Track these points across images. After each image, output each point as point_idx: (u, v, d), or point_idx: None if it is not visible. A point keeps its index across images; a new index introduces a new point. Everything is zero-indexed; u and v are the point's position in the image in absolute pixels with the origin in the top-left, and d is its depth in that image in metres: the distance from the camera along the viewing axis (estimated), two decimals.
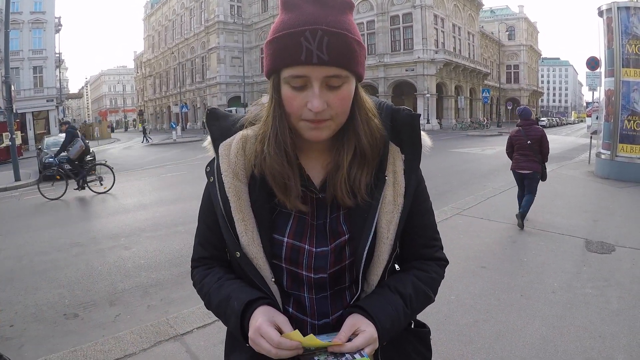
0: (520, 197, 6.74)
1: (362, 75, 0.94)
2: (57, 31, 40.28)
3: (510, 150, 6.75)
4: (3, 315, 4.29)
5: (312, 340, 0.87)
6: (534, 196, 6.52)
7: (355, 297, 1.02)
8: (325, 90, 0.88)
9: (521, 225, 6.34)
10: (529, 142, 6.43)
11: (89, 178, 11.74)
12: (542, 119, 59.00)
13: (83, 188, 11.49)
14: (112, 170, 12.06)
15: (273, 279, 0.99)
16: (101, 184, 11.65)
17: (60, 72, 43.76)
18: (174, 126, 38.95)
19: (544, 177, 6.61)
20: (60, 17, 41.05)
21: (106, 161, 13.65)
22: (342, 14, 0.88)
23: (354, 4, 0.95)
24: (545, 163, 6.58)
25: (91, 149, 17.20)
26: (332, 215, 1.01)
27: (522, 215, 6.40)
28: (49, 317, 4.22)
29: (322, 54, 0.84)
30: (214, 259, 1.12)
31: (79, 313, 4.30)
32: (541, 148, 6.44)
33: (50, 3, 38.78)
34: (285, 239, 0.99)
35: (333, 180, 0.98)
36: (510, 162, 6.80)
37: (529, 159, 6.46)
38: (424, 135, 1.06)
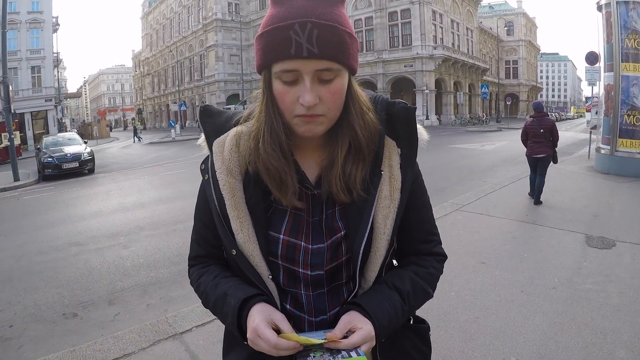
0: (532, 180, 7.75)
1: (354, 68, 0.92)
2: (55, 31, 40.13)
3: (525, 137, 7.82)
4: (2, 316, 4.29)
5: (308, 341, 0.87)
6: (545, 177, 7.56)
7: (353, 293, 1.01)
8: (317, 85, 0.87)
9: (538, 203, 7.47)
10: (541, 130, 7.52)
11: None
12: None
13: None
14: None
15: (270, 276, 0.98)
16: None
17: (58, 72, 43.71)
18: (173, 124, 38.90)
19: (555, 160, 7.69)
20: (57, 17, 40.89)
21: None
22: (332, 6, 0.87)
23: None
24: (556, 149, 7.68)
25: (90, 149, 17.27)
26: (328, 212, 1.00)
27: (537, 199, 7.50)
28: (48, 317, 4.22)
29: (312, 47, 0.83)
30: (211, 257, 1.11)
31: (78, 312, 4.29)
32: (552, 136, 7.53)
33: (47, 3, 38.64)
34: (281, 236, 0.98)
35: (328, 176, 0.97)
36: (525, 149, 7.90)
37: (542, 145, 7.54)
38: (420, 129, 1.04)
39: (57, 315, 4.26)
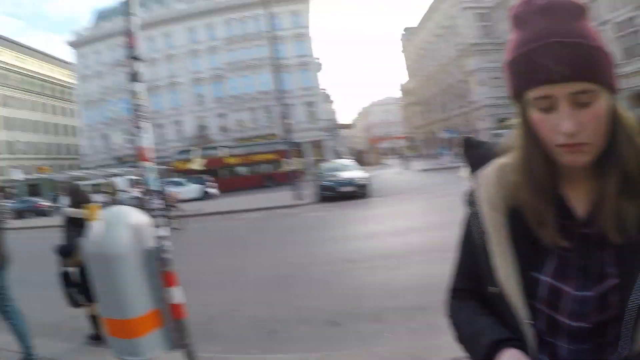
0: None
1: (614, 87, 0.82)
2: (319, 70, 47.17)
3: None
4: (274, 312, 4.99)
5: None
6: None
7: (620, 357, 0.83)
8: (575, 109, 0.79)
9: None
10: None
11: None
12: None
13: None
14: None
15: (528, 321, 0.90)
16: None
17: (328, 106, 50.14)
18: (443, 152, 39.51)
19: None
20: (319, 58, 48.72)
21: None
22: (574, 20, 0.80)
23: (587, 7, 0.82)
24: None
25: (364, 174, 18.67)
26: (599, 254, 0.85)
27: None
28: (313, 321, 4.68)
29: (562, 69, 0.77)
30: (470, 291, 1.06)
31: (340, 322, 4.60)
32: None
33: (308, 46, 46.32)
34: (545, 279, 0.88)
35: (597, 213, 0.85)
36: None
37: None
38: None
39: (321, 321, 4.67)
